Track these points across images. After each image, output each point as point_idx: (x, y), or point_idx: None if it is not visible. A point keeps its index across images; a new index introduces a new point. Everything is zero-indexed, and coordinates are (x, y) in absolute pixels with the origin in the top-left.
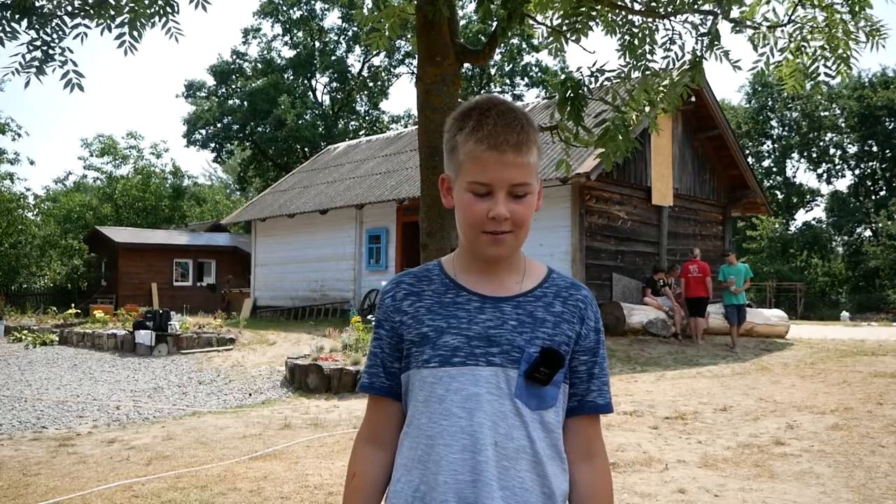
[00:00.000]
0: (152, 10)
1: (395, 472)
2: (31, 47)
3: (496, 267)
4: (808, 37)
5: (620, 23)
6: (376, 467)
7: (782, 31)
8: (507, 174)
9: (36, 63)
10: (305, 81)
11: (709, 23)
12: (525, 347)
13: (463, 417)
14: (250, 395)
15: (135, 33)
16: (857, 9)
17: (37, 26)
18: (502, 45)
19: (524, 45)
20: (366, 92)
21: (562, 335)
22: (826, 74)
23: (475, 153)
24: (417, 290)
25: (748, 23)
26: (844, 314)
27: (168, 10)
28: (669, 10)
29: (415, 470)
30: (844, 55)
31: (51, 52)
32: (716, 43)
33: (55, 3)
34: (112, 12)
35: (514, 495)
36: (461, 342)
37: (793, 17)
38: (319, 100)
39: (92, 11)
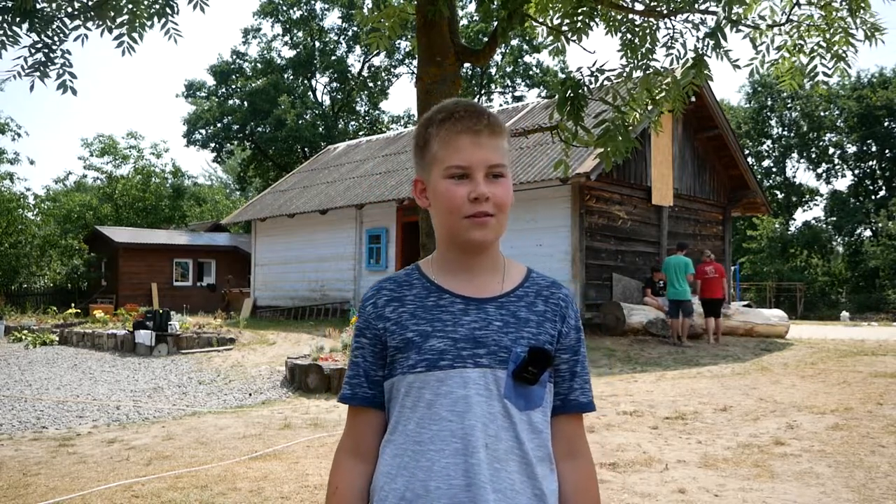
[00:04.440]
0: (152, 11)
1: (377, 481)
2: (32, 50)
3: (477, 266)
4: (806, 35)
5: (620, 22)
6: (359, 480)
7: (780, 29)
8: (484, 154)
9: (38, 65)
10: (305, 81)
11: (710, 22)
12: (512, 347)
13: (453, 421)
14: (250, 395)
15: (134, 34)
16: (855, 7)
17: (38, 29)
18: (503, 45)
19: (525, 46)
20: (366, 92)
21: (545, 334)
22: (824, 73)
23: (449, 138)
24: (399, 295)
25: (746, 22)
26: (844, 314)
27: (167, 10)
28: (670, 8)
29: (399, 478)
30: (842, 53)
31: (52, 54)
32: (721, 43)
33: (55, 5)
34: (112, 13)
35: (506, 498)
36: (447, 345)
37: (790, 17)
38: (319, 100)
39: (93, 14)
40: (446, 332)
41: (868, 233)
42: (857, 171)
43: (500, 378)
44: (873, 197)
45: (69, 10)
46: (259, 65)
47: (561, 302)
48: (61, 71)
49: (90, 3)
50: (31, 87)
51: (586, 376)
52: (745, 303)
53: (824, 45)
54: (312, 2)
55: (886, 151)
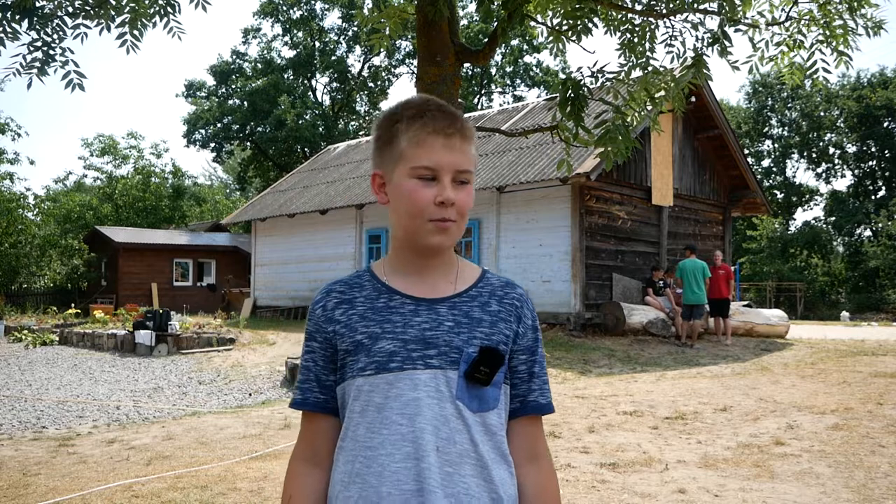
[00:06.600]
0: (153, 10)
1: (332, 489)
2: (31, 48)
3: (430, 267)
4: (805, 28)
5: (620, 21)
6: (315, 487)
7: (779, 26)
8: (454, 159)
9: (37, 64)
10: (305, 81)
11: (709, 22)
12: (463, 348)
13: (403, 424)
14: (250, 395)
15: (136, 32)
16: (855, 5)
17: (37, 27)
18: (503, 45)
19: (525, 46)
20: (366, 92)
21: (499, 334)
22: (824, 70)
23: (420, 137)
24: (349, 297)
25: (746, 20)
26: (844, 314)
27: (169, 9)
28: (670, 8)
29: (353, 485)
30: (842, 48)
31: (51, 52)
32: (726, 46)
33: (56, 3)
34: (112, 12)
35: (459, 503)
36: (397, 347)
37: (790, 14)
38: (319, 100)
39: (92, 12)
40: (396, 333)
41: (868, 233)
42: (857, 171)
43: (452, 379)
44: (873, 197)
45: (69, 8)
46: (259, 65)
47: (516, 302)
48: (67, 70)
49: (90, 1)
50: (29, 85)
51: (544, 377)
52: (745, 303)
53: (824, 39)
54: (312, 2)
55: (886, 151)
